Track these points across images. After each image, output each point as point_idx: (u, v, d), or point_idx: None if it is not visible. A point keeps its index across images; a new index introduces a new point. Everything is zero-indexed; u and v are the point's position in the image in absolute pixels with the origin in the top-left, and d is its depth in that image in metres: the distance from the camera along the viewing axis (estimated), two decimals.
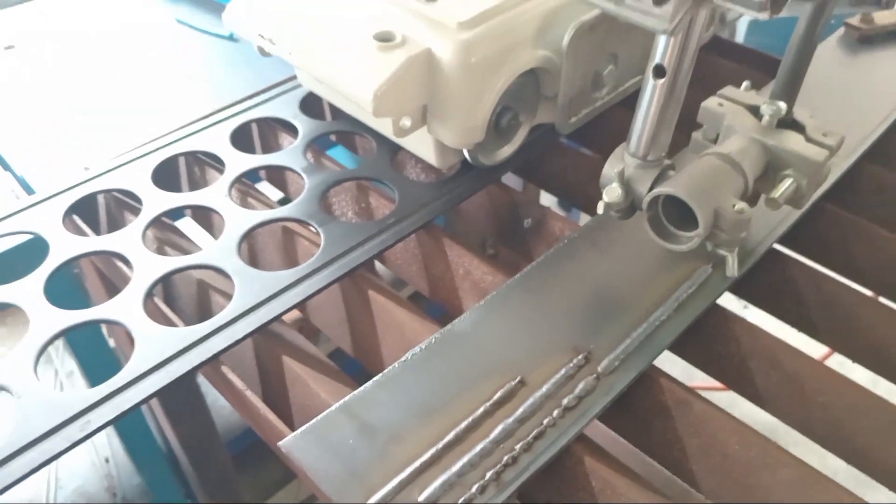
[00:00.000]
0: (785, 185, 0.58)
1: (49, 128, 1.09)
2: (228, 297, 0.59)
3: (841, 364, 0.64)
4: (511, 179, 0.77)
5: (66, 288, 0.73)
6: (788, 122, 0.61)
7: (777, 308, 0.65)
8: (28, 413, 0.50)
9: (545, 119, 0.74)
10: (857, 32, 0.93)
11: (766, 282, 0.65)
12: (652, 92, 0.52)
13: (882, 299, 0.65)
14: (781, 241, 0.68)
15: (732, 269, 0.58)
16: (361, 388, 0.52)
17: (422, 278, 0.67)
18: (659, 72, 0.51)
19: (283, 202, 0.68)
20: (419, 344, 0.55)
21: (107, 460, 1.42)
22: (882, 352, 0.60)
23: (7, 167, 1.02)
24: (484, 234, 0.76)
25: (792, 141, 0.59)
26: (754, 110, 0.61)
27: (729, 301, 0.62)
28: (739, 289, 0.65)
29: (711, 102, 0.62)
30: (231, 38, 1.32)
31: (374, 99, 0.59)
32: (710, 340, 0.60)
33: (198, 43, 1.33)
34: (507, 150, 0.71)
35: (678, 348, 0.60)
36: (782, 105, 0.60)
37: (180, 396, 1.04)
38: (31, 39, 1.32)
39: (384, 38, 0.61)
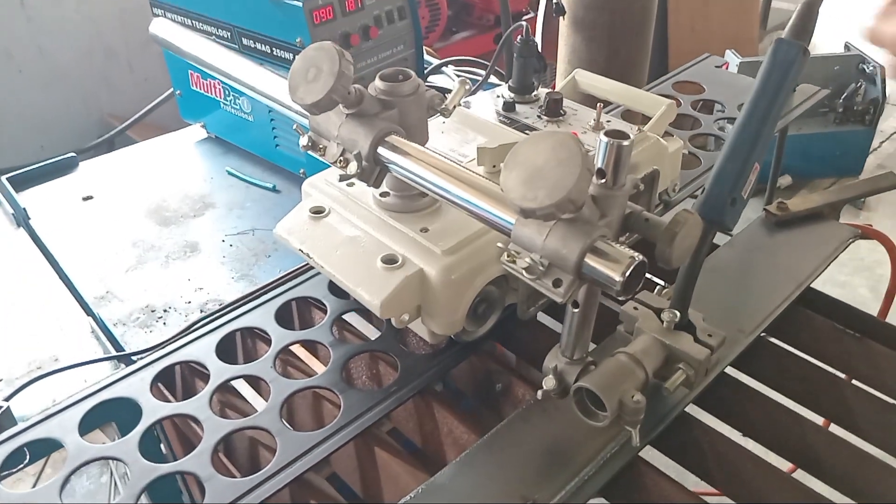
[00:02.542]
0: (676, 376, 0.79)
1: (124, 272, 1.34)
2: (272, 450, 0.81)
3: None
4: None
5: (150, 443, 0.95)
6: (684, 324, 0.83)
7: (684, 460, 0.85)
8: None
9: (513, 301, 0.96)
10: (775, 217, 1.15)
11: (676, 440, 0.86)
12: (572, 316, 0.75)
13: (764, 452, 0.86)
14: (694, 400, 0.89)
15: (636, 440, 0.78)
16: None
17: (416, 433, 0.89)
18: (574, 304, 0.74)
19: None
20: (409, 493, 0.77)
21: None
22: (758, 496, 0.80)
23: (89, 311, 1.27)
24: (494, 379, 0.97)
25: (683, 341, 0.81)
26: (658, 313, 0.84)
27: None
28: (656, 444, 0.85)
29: (629, 307, 0.85)
30: (274, 189, 1.59)
31: (381, 307, 0.83)
32: (628, 489, 0.81)
33: (246, 190, 1.60)
34: (481, 330, 0.94)
35: (605, 494, 0.80)
36: (676, 313, 0.82)
37: None
38: (107, 190, 1.60)
39: (388, 261, 0.85)
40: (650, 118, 1.12)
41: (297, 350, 1.02)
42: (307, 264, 1.07)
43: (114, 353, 1.16)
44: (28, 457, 0.89)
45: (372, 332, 1.03)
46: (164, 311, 1.26)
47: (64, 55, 2.94)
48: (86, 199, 1.58)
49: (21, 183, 1.61)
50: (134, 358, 1.12)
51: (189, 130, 1.84)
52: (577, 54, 2.19)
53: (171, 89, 1.86)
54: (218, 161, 1.70)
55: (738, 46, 3.43)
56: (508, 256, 0.66)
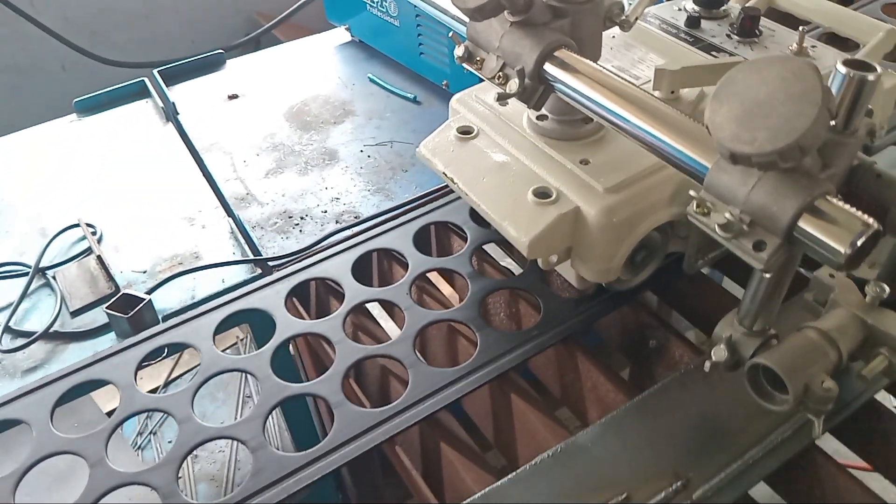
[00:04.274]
0: (876, 363, 0.66)
1: (264, 175, 1.33)
2: (403, 382, 0.77)
3: None
4: None
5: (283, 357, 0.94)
6: (892, 302, 0.69)
7: (868, 454, 0.73)
8: (261, 465, 0.70)
9: (676, 249, 0.85)
10: None
11: (860, 430, 0.74)
12: (760, 281, 0.63)
13: None
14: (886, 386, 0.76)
15: (818, 432, 0.67)
16: (498, 483, 0.68)
17: (555, 383, 0.82)
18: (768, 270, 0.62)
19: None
20: (547, 450, 0.70)
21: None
22: None
23: (230, 212, 1.27)
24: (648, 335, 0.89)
25: (890, 321, 0.67)
26: (861, 285, 0.70)
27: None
28: (837, 433, 0.74)
29: (823, 273, 0.72)
30: (415, 100, 1.51)
31: (529, 246, 0.74)
32: (798, 480, 0.70)
33: (386, 100, 1.53)
34: (637, 280, 0.83)
35: (770, 482, 0.70)
36: (885, 288, 0.68)
37: None
38: (252, 89, 1.59)
39: (541, 195, 0.76)
40: (859, 46, 0.93)
41: (433, 277, 0.96)
42: (447, 186, 1.00)
43: (251, 256, 1.16)
44: (165, 353, 0.90)
45: (512, 266, 0.95)
46: (301, 218, 1.24)
47: None
48: (231, 97, 1.57)
49: (171, 78, 1.62)
50: (270, 264, 1.12)
51: (333, 33, 1.78)
52: None
53: None
54: (360, 67, 1.63)
55: None
56: (699, 207, 0.55)
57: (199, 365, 0.80)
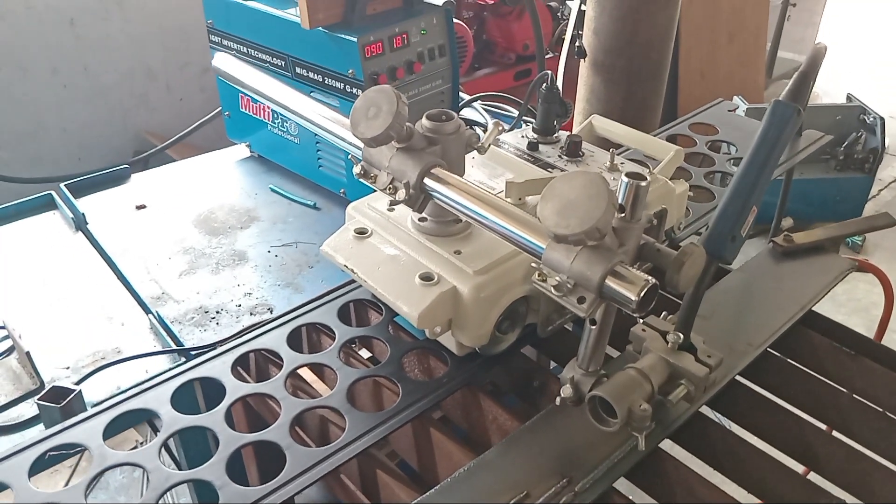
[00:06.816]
0: (678, 391, 0.90)
1: (177, 276, 1.46)
2: (340, 427, 0.92)
3: None
4: None
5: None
6: (686, 346, 0.93)
7: (699, 453, 0.96)
8: (228, 499, 0.82)
9: (533, 321, 1.07)
10: (781, 248, 1.26)
11: (692, 435, 0.97)
12: (589, 333, 0.86)
13: (770, 449, 0.96)
14: (709, 403, 1.00)
15: (641, 445, 0.88)
16: (426, 493, 0.84)
17: (464, 420, 1.02)
18: (592, 322, 0.85)
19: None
20: (462, 467, 0.88)
21: None
22: (762, 484, 0.92)
23: (148, 309, 1.38)
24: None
25: (685, 360, 0.91)
26: (664, 335, 0.94)
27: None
28: (675, 438, 0.96)
29: (637, 329, 0.96)
30: (315, 206, 1.71)
31: (419, 318, 0.94)
32: (650, 473, 0.92)
33: (288, 207, 1.72)
34: (503, 345, 1.05)
35: (630, 477, 0.91)
36: (680, 335, 0.92)
37: None
38: (158, 200, 1.73)
39: (426, 278, 0.96)
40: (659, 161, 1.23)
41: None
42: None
43: (174, 347, 1.27)
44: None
45: None
46: (217, 312, 1.38)
47: (108, 74, 3.10)
48: (139, 207, 1.71)
49: (76, 191, 1.73)
50: (193, 353, 1.23)
51: (231, 150, 1.96)
52: (596, 95, 2.32)
53: (216, 110, 2.00)
54: (261, 179, 1.82)
55: (745, 93, 3.56)
56: (539, 276, 0.78)
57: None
